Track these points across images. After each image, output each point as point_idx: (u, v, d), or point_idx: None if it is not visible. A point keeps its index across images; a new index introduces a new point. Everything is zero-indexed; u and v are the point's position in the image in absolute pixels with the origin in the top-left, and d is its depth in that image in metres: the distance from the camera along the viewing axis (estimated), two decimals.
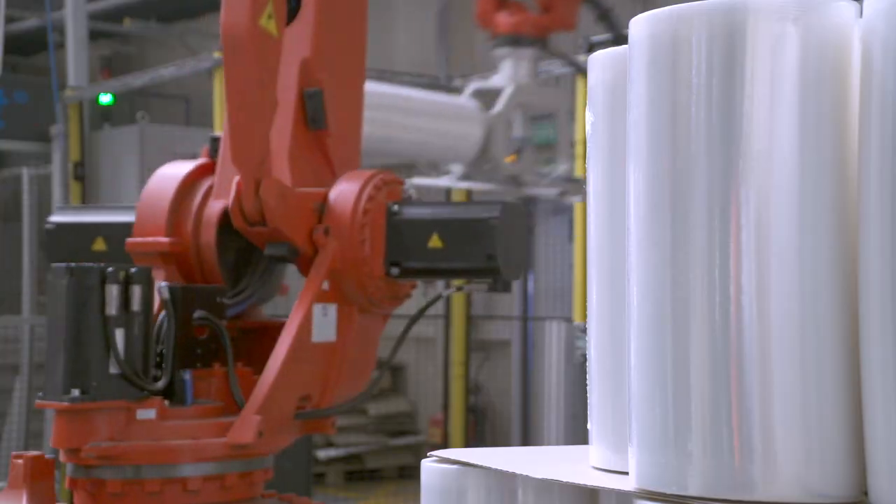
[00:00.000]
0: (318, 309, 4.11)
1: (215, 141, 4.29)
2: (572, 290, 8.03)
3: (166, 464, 3.77)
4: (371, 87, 4.88)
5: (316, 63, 4.24)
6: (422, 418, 12.19)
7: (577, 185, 7.36)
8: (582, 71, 7.39)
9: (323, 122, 4.22)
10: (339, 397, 4.18)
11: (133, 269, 3.80)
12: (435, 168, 7.69)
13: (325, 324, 4.13)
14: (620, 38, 6.54)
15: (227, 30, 3.86)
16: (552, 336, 9.74)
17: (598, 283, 2.19)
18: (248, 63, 3.89)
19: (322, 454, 11.09)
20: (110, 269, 3.74)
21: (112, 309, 3.71)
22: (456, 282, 4.57)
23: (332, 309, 4.14)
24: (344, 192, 4.15)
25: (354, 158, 4.37)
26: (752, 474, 1.81)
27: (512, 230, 4.13)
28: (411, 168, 7.95)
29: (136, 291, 3.74)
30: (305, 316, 4.06)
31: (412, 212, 4.17)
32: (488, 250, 4.09)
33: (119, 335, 3.72)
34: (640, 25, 1.94)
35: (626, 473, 1.98)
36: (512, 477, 2.13)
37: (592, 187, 2.21)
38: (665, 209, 1.88)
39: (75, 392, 3.68)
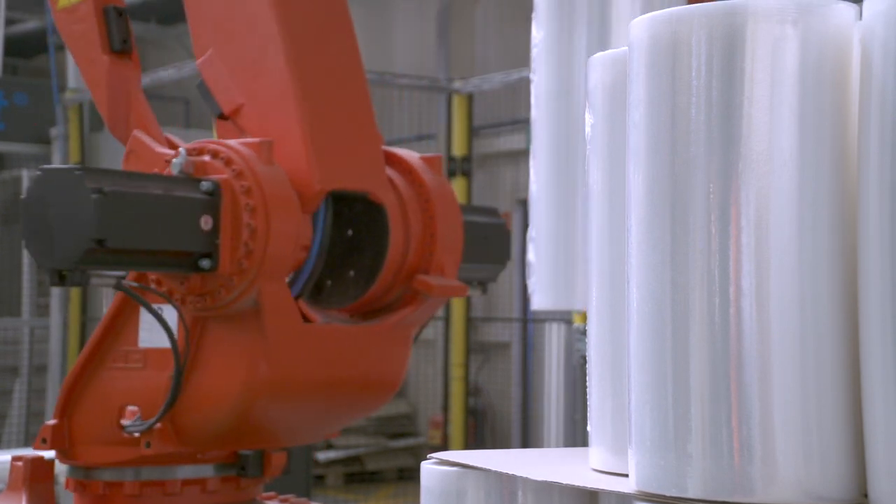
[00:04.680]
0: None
1: None
2: None
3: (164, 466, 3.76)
4: None
5: (198, 46, 3.90)
6: (421, 420, 12.19)
7: None
8: None
9: (215, 107, 3.88)
10: (197, 413, 3.65)
11: None
12: None
13: (158, 327, 3.66)
14: None
15: None
16: (552, 338, 9.74)
17: (598, 285, 2.19)
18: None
19: (322, 456, 11.10)
20: None
21: None
22: None
23: (174, 311, 3.68)
24: None
25: (275, 131, 3.76)
26: (752, 476, 1.81)
27: (50, 204, 3.38)
28: None
29: None
30: (113, 318, 3.73)
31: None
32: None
33: None
34: (639, 27, 1.94)
35: (626, 475, 1.98)
36: (512, 479, 2.13)
37: (592, 189, 2.21)
38: (665, 211, 1.88)
39: None
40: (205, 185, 3.54)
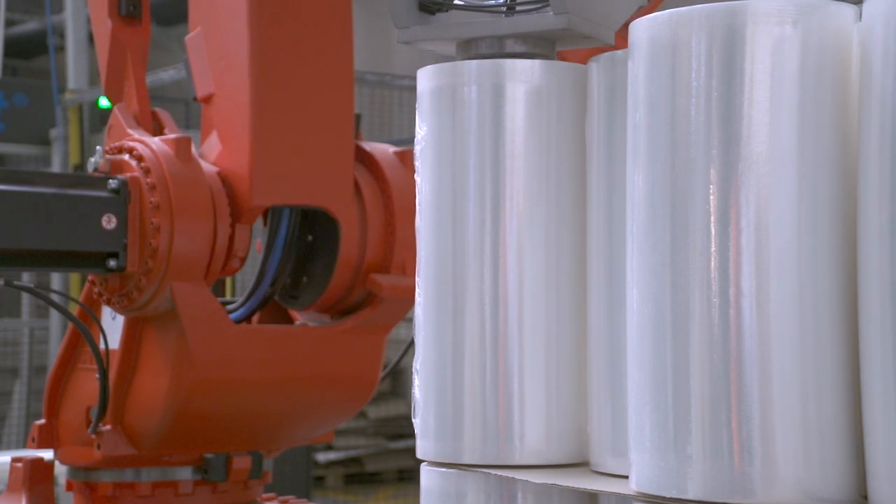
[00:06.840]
0: (106, 312, 3.72)
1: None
2: None
3: (163, 467, 3.74)
4: None
5: (191, 20, 3.84)
6: None
7: None
8: None
9: (191, 89, 3.83)
10: (139, 415, 3.60)
11: None
12: None
13: (115, 328, 3.65)
14: None
15: None
16: None
17: (597, 286, 2.19)
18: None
19: (321, 457, 11.10)
20: None
21: None
22: None
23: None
24: None
25: (231, 132, 3.69)
26: (752, 477, 1.80)
27: None
28: None
29: None
30: (80, 318, 3.67)
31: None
32: None
33: None
34: (639, 28, 1.94)
35: (626, 477, 1.98)
36: (511, 481, 2.12)
37: (592, 190, 2.21)
38: (665, 212, 1.88)
39: None
40: (112, 183, 3.48)
